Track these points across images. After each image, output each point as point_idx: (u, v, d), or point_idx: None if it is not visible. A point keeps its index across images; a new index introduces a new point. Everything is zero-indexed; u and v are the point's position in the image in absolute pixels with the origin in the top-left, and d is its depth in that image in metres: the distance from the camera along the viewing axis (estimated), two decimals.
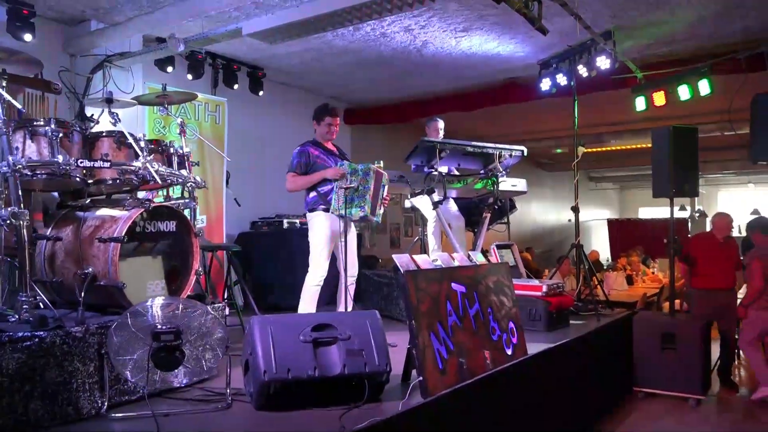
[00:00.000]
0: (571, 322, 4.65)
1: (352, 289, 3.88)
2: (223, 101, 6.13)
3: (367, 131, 8.87)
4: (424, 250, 5.31)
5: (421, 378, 2.61)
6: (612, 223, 16.24)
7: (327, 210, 3.79)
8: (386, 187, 3.92)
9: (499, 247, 4.97)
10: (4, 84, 2.64)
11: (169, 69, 5.78)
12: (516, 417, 3.16)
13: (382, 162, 4.07)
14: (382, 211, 3.87)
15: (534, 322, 4.33)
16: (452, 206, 5.09)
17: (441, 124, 5.20)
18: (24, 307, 2.48)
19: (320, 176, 3.83)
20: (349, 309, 3.88)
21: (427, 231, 5.19)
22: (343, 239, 3.79)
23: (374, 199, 3.76)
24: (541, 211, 15.02)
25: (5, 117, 2.60)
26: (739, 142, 8.15)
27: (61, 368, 2.33)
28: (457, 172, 5.16)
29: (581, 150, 5.86)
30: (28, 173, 2.66)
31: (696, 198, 10.39)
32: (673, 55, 6.37)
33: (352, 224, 3.96)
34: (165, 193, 3.84)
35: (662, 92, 6.21)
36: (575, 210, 5.62)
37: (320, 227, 3.83)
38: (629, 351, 4.80)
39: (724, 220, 5.37)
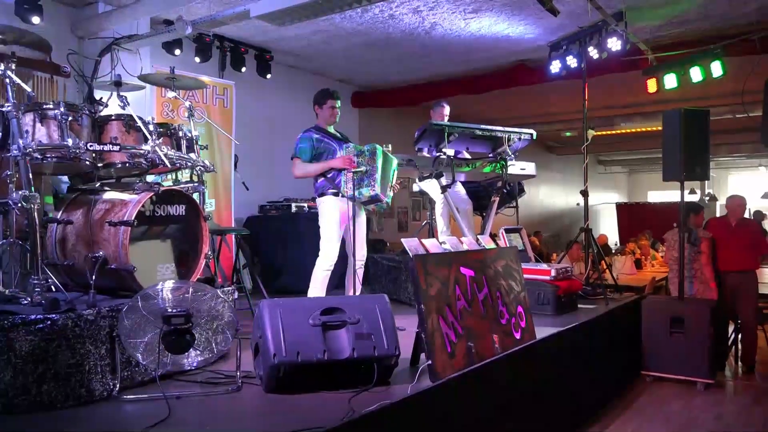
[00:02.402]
0: (579, 306, 4.64)
1: (360, 272, 3.88)
2: (230, 84, 6.10)
3: (375, 115, 8.83)
4: (432, 234, 5.30)
5: (430, 362, 2.61)
6: (621, 207, 16.14)
7: (336, 194, 3.77)
8: (396, 172, 3.88)
9: (507, 231, 4.95)
10: (13, 67, 2.64)
11: (177, 52, 5.76)
12: (524, 401, 3.17)
13: (390, 146, 4.03)
14: (392, 193, 3.84)
15: (542, 306, 4.32)
16: (461, 190, 5.06)
17: (447, 109, 5.15)
18: (36, 290, 2.50)
19: (329, 165, 3.80)
20: (358, 293, 3.89)
21: (435, 215, 5.17)
22: (352, 222, 3.78)
23: (383, 179, 3.74)
24: (550, 194, 14.94)
25: (15, 100, 2.60)
26: (750, 124, 8.04)
27: (73, 350, 2.35)
28: (466, 156, 5.12)
29: (591, 133, 5.79)
30: (38, 156, 2.65)
31: (706, 182, 10.29)
32: (686, 36, 6.27)
33: (362, 208, 3.95)
34: (174, 177, 3.84)
35: (674, 74, 6.12)
36: (584, 194, 5.57)
37: (330, 212, 3.82)
38: (638, 335, 4.80)
39: (735, 203, 5.37)
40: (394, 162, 3.87)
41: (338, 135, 4.03)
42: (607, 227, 15.42)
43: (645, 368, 4.76)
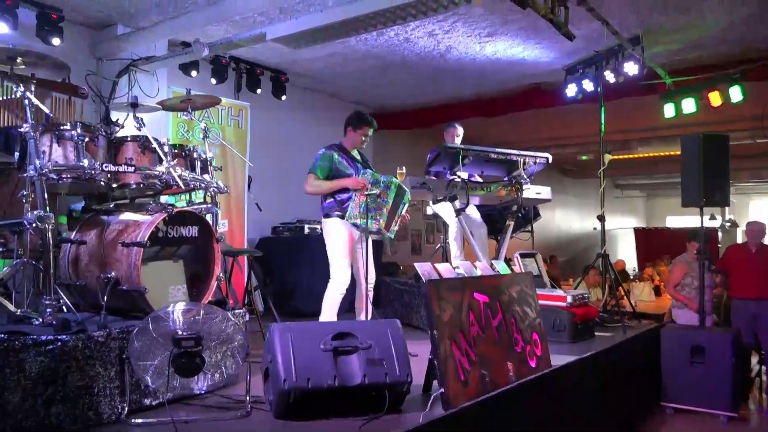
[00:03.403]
0: (596, 333, 4.58)
1: (370, 296, 3.86)
2: (246, 105, 6.18)
3: (390, 137, 8.86)
4: (445, 257, 5.26)
5: (442, 389, 2.58)
6: (639, 232, 15.97)
7: (342, 217, 3.77)
8: (407, 205, 3.86)
9: (522, 255, 4.92)
10: (32, 89, 2.69)
11: (194, 73, 5.86)
12: (539, 431, 3.10)
13: (404, 168, 4.04)
14: (396, 228, 3.81)
15: (558, 334, 4.26)
16: (475, 214, 5.05)
17: (459, 130, 5.15)
18: (47, 310, 2.51)
19: (341, 185, 3.80)
20: (369, 318, 3.87)
21: (449, 238, 5.13)
22: (362, 245, 3.78)
23: (391, 214, 3.72)
24: (566, 219, 14.83)
25: (33, 121, 2.65)
26: None
27: (82, 372, 2.35)
28: (480, 179, 5.12)
29: (608, 157, 5.75)
30: (54, 177, 2.70)
31: (727, 207, 10.16)
32: (703, 60, 6.26)
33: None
34: (187, 198, 3.88)
35: (692, 99, 6.10)
36: (601, 219, 5.53)
37: (336, 233, 3.81)
38: (657, 365, 4.70)
39: (755, 228, 5.33)
40: (407, 195, 3.86)
41: (359, 159, 4.04)
42: (625, 252, 15.23)
43: (664, 399, 4.65)
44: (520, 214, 4.97)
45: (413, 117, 8.59)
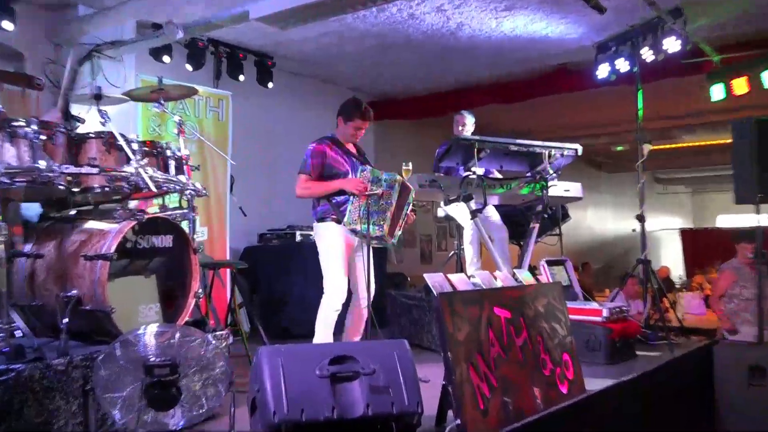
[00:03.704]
0: (637, 353, 4.59)
1: (364, 314, 3.85)
2: (227, 95, 6.19)
3: (393, 128, 8.88)
4: (460, 266, 5.28)
5: (458, 421, 2.57)
6: (685, 234, 15.93)
7: (339, 222, 3.76)
8: (411, 205, 3.87)
9: (549, 263, 4.92)
10: None
11: (166, 59, 5.87)
12: None
13: (410, 164, 4.03)
14: (400, 232, 3.81)
15: (593, 354, 4.26)
16: (493, 215, 5.06)
17: (470, 119, 5.18)
18: None
19: (338, 186, 3.79)
20: (358, 338, 3.86)
21: (463, 244, 5.16)
22: (361, 254, 3.79)
23: (395, 218, 3.72)
24: (600, 219, 14.81)
25: None
26: None
27: (41, 406, 2.35)
28: (498, 175, 5.12)
29: (647, 147, 5.74)
30: (6, 181, 2.69)
31: None
32: (756, 34, 6.24)
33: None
34: (160, 203, 3.88)
35: (744, 78, 6.08)
36: (641, 219, 5.52)
37: (331, 239, 3.79)
38: (709, 388, 4.66)
39: None
40: (412, 194, 3.86)
41: (356, 154, 4.03)
42: (670, 258, 15.19)
43: (719, 427, 4.62)
44: (545, 215, 4.98)
45: (419, 105, 8.58)
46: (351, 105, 3.97)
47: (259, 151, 6.87)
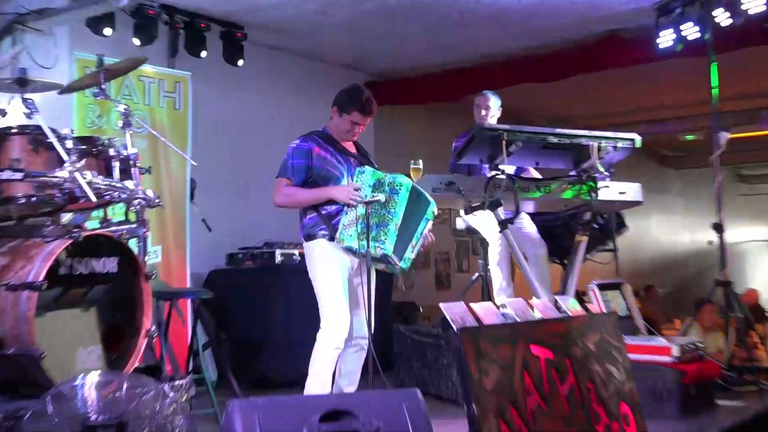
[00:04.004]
0: (717, 402, 4.57)
1: (360, 357, 3.87)
2: (185, 76, 6.20)
3: (398, 115, 8.87)
4: (486, 293, 5.26)
5: None
6: None
7: (331, 238, 3.78)
8: (430, 222, 3.85)
9: (602, 287, 4.90)
10: None
11: (108, 32, 5.88)
12: None
13: (420, 162, 4.04)
14: (414, 255, 3.79)
15: (661, 404, 4.23)
16: (528, 226, 5.07)
17: (495, 101, 5.19)
18: None
19: (324, 195, 3.81)
20: (353, 389, 3.87)
21: (490, 264, 5.15)
22: (361, 280, 3.79)
23: (403, 232, 3.68)
24: (667, 229, 14.79)
25: None
26: None
27: None
28: (536, 175, 5.13)
29: (725, 136, 5.74)
30: None
31: None
32: None
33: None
34: (102, 216, 3.89)
35: None
36: (719, 229, 5.51)
37: (326, 261, 3.82)
38: None
39: None
40: (431, 207, 3.83)
41: (353, 152, 4.05)
42: (759, 278, 15.14)
43: None
44: (595, 225, 4.95)
45: (431, 85, 8.59)
46: (348, 93, 3.99)
47: (227, 149, 6.88)
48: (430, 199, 3.84)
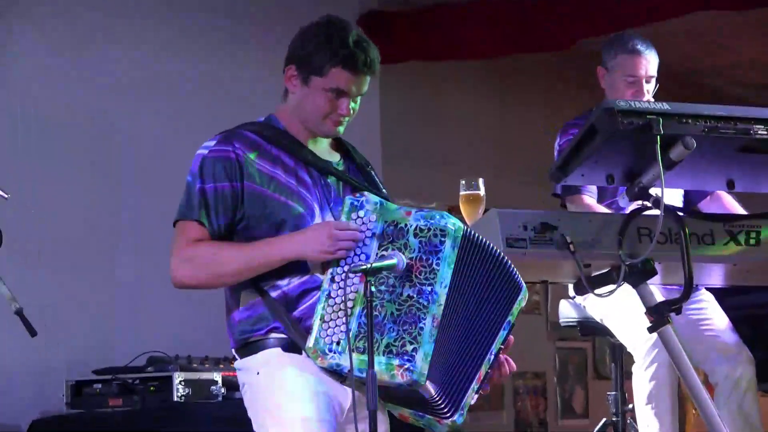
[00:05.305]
0: None
1: None
2: None
3: (429, 80, 8.99)
4: None
5: None
6: None
7: (293, 347, 3.78)
8: (512, 325, 3.83)
9: None
10: None
11: None
12: None
13: (481, 183, 4.02)
14: (479, 388, 3.77)
15: None
16: (715, 316, 5.17)
17: (650, 56, 5.37)
18: None
19: (277, 255, 3.81)
20: None
21: (635, 399, 5.24)
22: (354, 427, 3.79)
23: (451, 338, 3.67)
24: None
25: None
26: None
27: None
28: (730, 207, 5.33)
29: None
30: None
31: None
32: None
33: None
34: None
35: None
36: None
37: (289, 395, 3.83)
38: None
39: None
40: (520, 292, 3.82)
41: (334, 159, 4.09)
42: None
43: None
44: None
45: (501, 19, 8.70)
46: (317, 34, 4.00)
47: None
48: (514, 272, 3.80)
